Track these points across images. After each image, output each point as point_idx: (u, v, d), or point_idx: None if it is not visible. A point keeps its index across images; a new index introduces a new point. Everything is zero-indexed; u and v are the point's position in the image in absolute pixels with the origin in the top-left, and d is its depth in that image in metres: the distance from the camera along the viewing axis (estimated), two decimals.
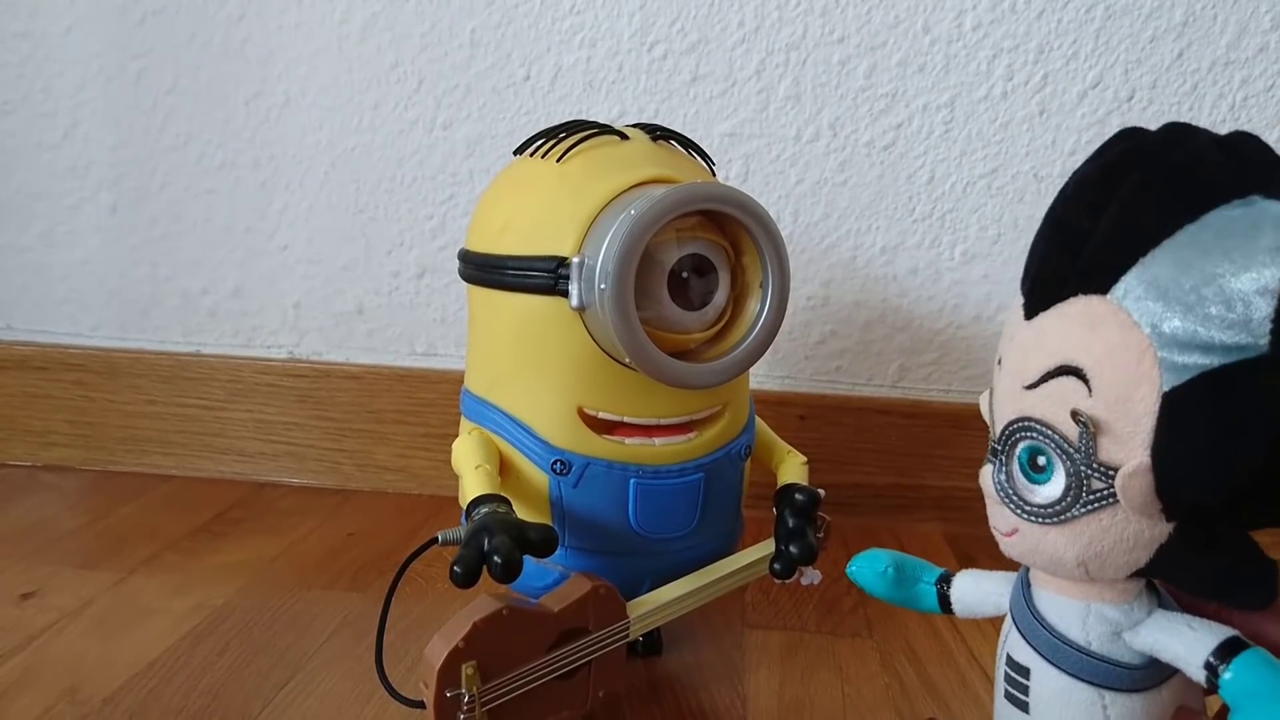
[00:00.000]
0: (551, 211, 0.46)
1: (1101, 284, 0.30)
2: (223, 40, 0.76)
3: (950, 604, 0.39)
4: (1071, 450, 0.30)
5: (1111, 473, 0.29)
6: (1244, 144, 0.30)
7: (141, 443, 0.82)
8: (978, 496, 0.34)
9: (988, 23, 0.70)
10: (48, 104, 0.78)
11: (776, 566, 0.51)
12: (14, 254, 0.82)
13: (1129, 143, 0.31)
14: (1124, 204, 0.30)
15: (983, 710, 0.49)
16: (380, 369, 0.79)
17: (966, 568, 0.40)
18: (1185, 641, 0.31)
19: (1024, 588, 0.35)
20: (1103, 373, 0.29)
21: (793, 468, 0.54)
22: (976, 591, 0.38)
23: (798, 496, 0.51)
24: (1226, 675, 0.29)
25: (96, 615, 0.57)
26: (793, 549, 0.50)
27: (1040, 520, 0.31)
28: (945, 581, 0.39)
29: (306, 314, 0.80)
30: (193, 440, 0.81)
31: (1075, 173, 0.32)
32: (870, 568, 0.40)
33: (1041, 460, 0.31)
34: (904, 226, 0.73)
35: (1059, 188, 0.32)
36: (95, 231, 0.81)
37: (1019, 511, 0.32)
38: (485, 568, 0.39)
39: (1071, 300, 0.31)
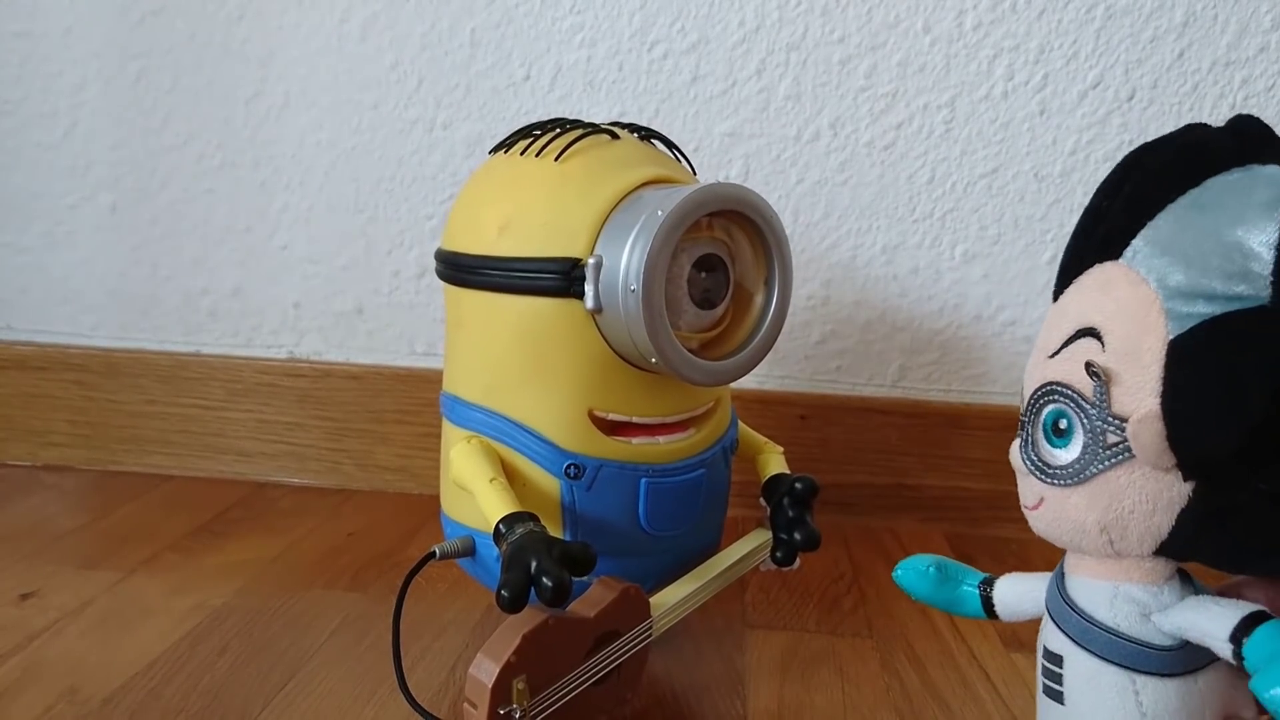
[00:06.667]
0: (559, 212, 0.45)
1: (1114, 251, 0.32)
2: (223, 40, 0.76)
3: (994, 606, 0.39)
4: (1088, 405, 0.31)
5: (1125, 424, 0.30)
6: (1246, 125, 0.32)
7: (141, 443, 0.82)
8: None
9: (988, 23, 0.70)
10: (48, 104, 0.78)
11: (779, 555, 0.52)
12: (14, 254, 0.82)
13: (1149, 143, 0.34)
14: (1135, 181, 0.33)
15: (983, 710, 0.49)
16: (380, 369, 0.79)
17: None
18: (1212, 617, 0.31)
19: (1059, 578, 0.36)
20: (1114, 328, 0.31)
21: (775, 459, 0.56)
22: (1016, 592, 0.39)
23: (797, 485, 0.52)
24: (1248, 643, 0.29)
25: (96, 615, 0.57)
26: (797, 536, 0.51)
27: (1062, 482, 0.33)
28: (988, 585, 0.40)
29: (306, 314, 0.80)
30: (193, 440, 0.81)
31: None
32: (913, 567, 0.41)
33: (1063, 424, 0.32)
34: (904, 226, 0.73)
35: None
36: (95, 231, 0.81)
37: (1042, 476, 0.33)
38: (533, 589, 0.39)
39: (1089, 271, 0.33)
